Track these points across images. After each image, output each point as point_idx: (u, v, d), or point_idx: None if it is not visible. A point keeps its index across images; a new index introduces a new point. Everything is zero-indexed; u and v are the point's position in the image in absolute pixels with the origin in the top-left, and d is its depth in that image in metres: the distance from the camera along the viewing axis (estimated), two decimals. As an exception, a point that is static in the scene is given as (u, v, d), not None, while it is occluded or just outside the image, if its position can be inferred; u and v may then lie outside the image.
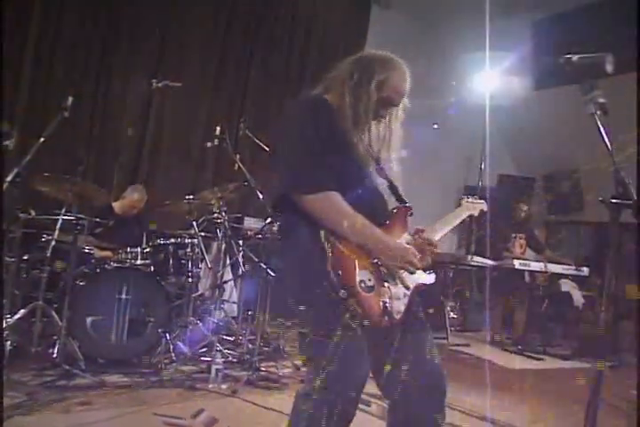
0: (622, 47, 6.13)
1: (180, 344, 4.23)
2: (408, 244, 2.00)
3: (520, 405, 4.20)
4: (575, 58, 1.91)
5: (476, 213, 2.46)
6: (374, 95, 1.98)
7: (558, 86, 7.10)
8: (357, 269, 1.82)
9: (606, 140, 1.81)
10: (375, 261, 1.87)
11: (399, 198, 2.13)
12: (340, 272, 1.78)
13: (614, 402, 3.88)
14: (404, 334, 1.94)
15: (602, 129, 1.81)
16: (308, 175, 1.85)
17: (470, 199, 2.48)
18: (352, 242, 1.83)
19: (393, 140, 2.13)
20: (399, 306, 1.90)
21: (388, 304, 1.85)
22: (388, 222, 2.00)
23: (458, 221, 2.36)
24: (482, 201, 2.50)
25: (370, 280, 1.83)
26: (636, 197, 1.74)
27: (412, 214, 2.11)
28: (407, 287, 1.93)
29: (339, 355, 1.82)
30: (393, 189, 2.13)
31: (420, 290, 2.03)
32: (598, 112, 1.81)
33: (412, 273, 1.91)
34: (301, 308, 1.89)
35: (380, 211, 2.03)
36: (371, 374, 1.95)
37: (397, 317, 1.89)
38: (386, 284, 1.88)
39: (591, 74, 1.89)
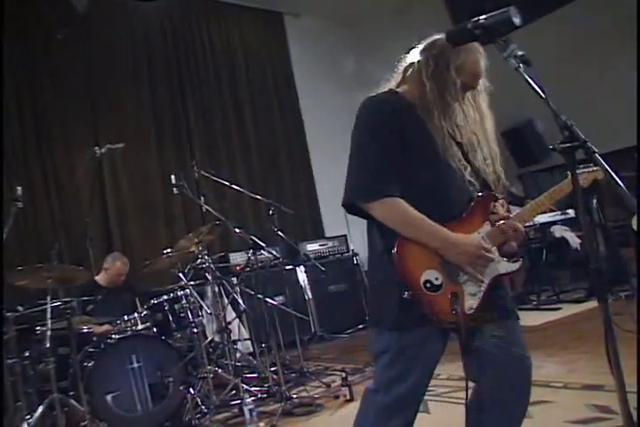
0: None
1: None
2: (489, 234, 1.95)
3: (552, 358, 4.22)
4: (481, 20, 1.93)
5: (586, 185, 2.12)
6: (457, 80, 1.94)
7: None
8: (424, 269, 1.82)
9: (537, 89, 1.82)
10: (443, 259, 1.85)
11: (485, 184, 2.05)
12: (405, 274, 1.80)
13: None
14: (483, 326, 1.91)
15: (529, 80, 1.83)
16: (367, 184, 1.85)
17: (581, 169, 2.07)
18: (419, 243, 1.83)
19: (486, 121, 2.08)
20: (471, 302, 1.87)
21: (456, 302, 1.83)
22: (464, 215, 1.95)
23: (555, 199, 2.08)
24: (595, 168, 2.09)
25: (437, 279, 1.82)
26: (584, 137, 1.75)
27: (496, 200, 2.03)
28: (481, 282, 1.89)
29: (405, 354, 1.85)
30: (477, 174, 2.04)
31: (502, 280, 1.97)
32: (521, 65, 1.83)
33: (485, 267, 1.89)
34: (377, 308, 1.95)
35: (458, 202, 1.97)
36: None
37: (469, 312, 1.85)
38: (459, 280, 1.87)
39: (502, 30, 1.90)
